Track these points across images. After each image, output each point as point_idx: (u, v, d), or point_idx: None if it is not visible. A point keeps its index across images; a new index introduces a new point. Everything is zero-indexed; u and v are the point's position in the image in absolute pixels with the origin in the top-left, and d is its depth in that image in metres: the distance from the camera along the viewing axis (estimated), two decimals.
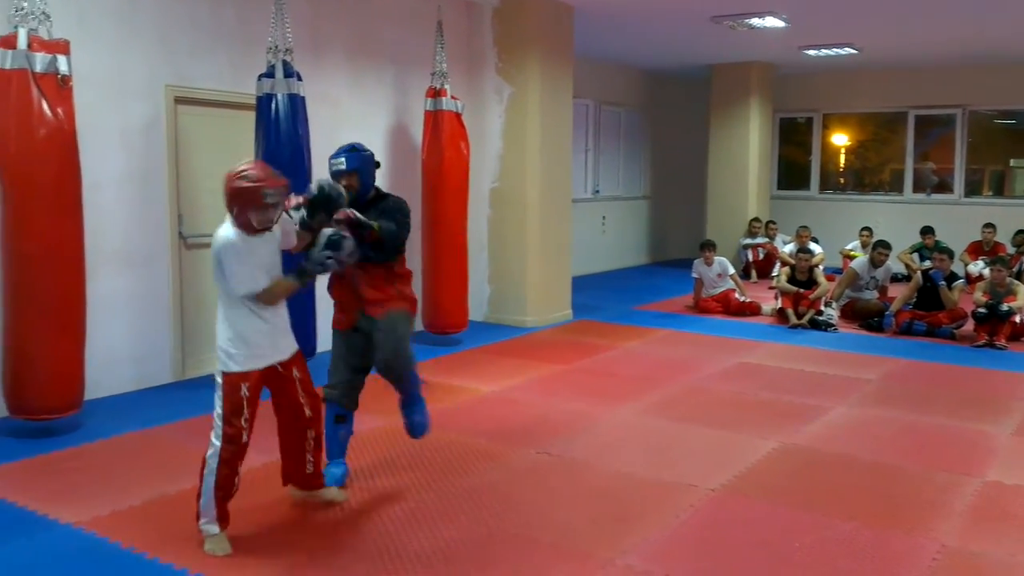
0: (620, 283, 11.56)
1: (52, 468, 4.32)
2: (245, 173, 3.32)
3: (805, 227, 11.00)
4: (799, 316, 8.39)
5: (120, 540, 3.49)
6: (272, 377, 3.53)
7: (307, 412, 3.65)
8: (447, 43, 7.32)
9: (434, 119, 7.26)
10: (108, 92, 5.43)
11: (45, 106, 4.53)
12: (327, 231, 3.54)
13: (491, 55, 8.30)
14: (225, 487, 3.40)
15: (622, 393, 5.79)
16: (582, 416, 5.26)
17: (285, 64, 5.78)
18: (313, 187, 3.57)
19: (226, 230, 3.37)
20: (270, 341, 3.47)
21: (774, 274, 10.42)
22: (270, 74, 5.77)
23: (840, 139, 13.93)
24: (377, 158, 4.12)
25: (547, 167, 8.32)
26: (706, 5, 8.38)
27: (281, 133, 5.77)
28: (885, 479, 4.30)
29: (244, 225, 3.34)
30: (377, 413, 4.87)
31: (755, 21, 8.90)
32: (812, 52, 10.99)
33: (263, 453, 4.10)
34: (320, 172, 5.96)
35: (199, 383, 5.89)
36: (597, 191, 12.44)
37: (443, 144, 7.22)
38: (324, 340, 5.33)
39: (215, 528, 3.41)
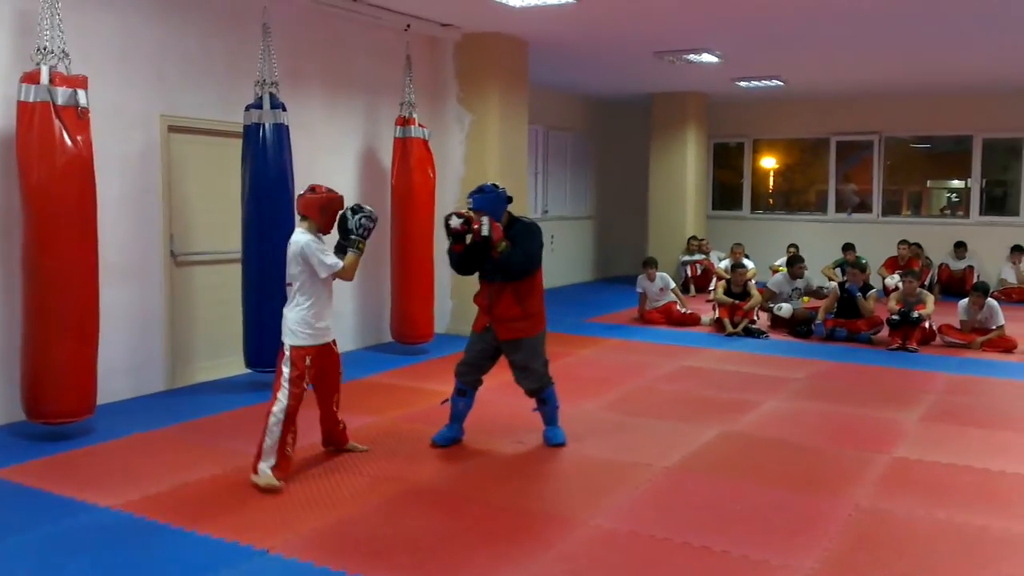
0: (570, 297, 12.26)
1: (75, 463, 4.77)
2: (328, 190, 4.58)
3: (739, 244, 11.83)
4: (734, 325, 9.20)
5: (157, 518, 3.98)
6: (322, 353, 4.51)
7: (340, 380, 4.74)
8: (414, 75, 7.95)
9: (403, 145, 7.86)
10: (110, 122, 5.84)
11: (66, 135, 5.01)
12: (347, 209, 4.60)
13: (453, 86, 8.94)
14: (287, 433, 4.36)
15: (583, 393, 6.44)
16: None
17: (271, 96, 6.34)
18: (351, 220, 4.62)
19: (301, 234, 4.47)
20: (326, 324, 4.53)
21: (711, 288, 11.24)
22: (258, 105, 6.32)
23: (769, 162, 14.99)
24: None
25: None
26: (649, 42, 9.19)
27: (268, 159, 6.31)
28: (810, 457, 5.05)
29: (324, 227, 4.53)
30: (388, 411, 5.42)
31: (692, 57, 9.77)
32: (743, 84, 11.97)
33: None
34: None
35: (190, 391, 6.36)
36: (546, 211, 13.16)
37: (412, 168, 7.83)
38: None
39: (269, 469, 4.33)
